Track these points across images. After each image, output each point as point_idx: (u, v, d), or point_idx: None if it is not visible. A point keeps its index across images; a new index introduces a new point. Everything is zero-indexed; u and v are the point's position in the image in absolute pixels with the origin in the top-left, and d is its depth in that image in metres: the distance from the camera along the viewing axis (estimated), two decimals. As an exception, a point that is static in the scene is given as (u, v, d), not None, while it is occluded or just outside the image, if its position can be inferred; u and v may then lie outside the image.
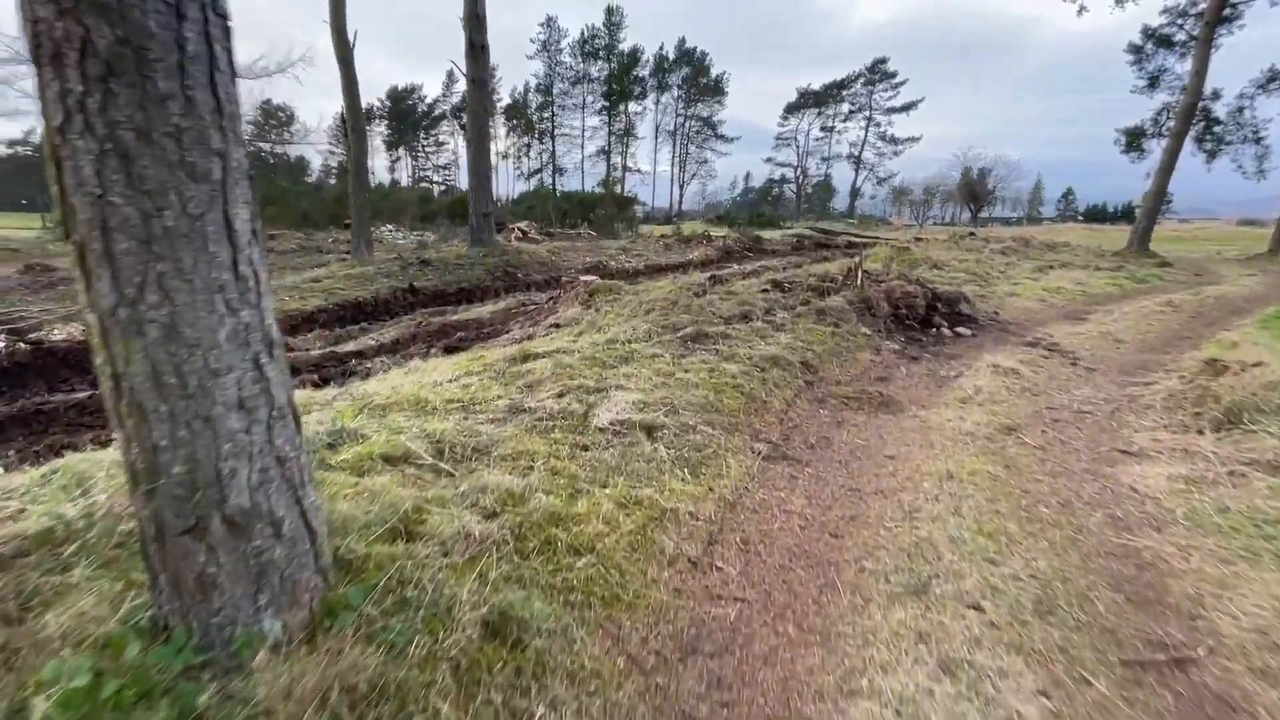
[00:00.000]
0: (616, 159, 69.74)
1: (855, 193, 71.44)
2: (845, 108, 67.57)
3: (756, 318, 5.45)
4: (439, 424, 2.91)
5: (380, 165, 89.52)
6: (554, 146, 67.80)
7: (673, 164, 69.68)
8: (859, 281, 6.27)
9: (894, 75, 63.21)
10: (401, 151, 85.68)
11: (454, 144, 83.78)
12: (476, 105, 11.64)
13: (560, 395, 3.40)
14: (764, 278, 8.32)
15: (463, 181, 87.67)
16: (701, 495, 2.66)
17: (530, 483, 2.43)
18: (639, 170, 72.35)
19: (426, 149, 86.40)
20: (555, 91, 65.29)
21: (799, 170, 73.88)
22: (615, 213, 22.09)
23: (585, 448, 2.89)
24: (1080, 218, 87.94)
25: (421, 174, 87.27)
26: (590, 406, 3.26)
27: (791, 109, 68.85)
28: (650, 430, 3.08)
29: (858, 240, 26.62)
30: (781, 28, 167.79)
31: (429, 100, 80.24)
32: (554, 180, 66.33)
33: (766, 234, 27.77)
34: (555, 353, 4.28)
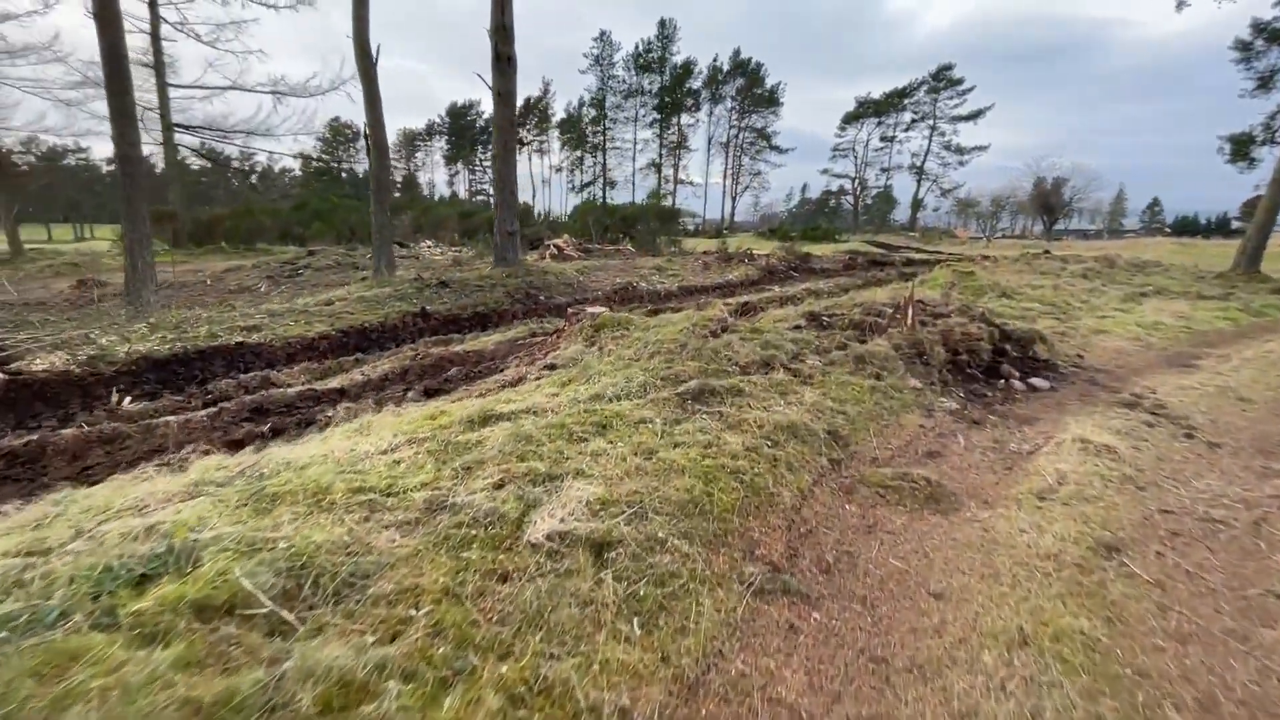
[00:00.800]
0: (669, 171, 69.47)
1: (917, 204, 68.50)
2: (907, 116, 65.05)
3: (780, 366, 4.58)
4: (324, 533, 2.23)
5: (440, 179, 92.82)
6: (604, 159, 68.11)
7: (725, 176, 68.74)
8: (909, 320, 5.30)
9: (960, 82, 60.41)
10: (460, 166, 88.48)
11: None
12: (501, 119, 11.21)
13: (499, 485, 2.67)
14: (802, 307, 7.41)
15: (518, 195, 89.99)
16: (649, 669, 1.85)
17: (390, 654, 1.69)
18: (691, 182, 71.88)
19: (484, 163, 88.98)
20: (608, 105, 65.61)
21: (856, 182, 71.52)
22: (658, 227, 21.40)
23: (504, 577, 2.14)
24: (1168, 230, 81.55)
25: (479, 187, 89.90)
26: (531, 506, 2.51)
27: (850, 119, 66.78)
28: (601, 549, 2.30)
29: (917, 257, 25.06)
30: (842, 38, 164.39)
31: (486, 116, 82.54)
32: (604, 193, 66.55)
33: (818, 249, 26.52)
34: (524, 413, 3.57)
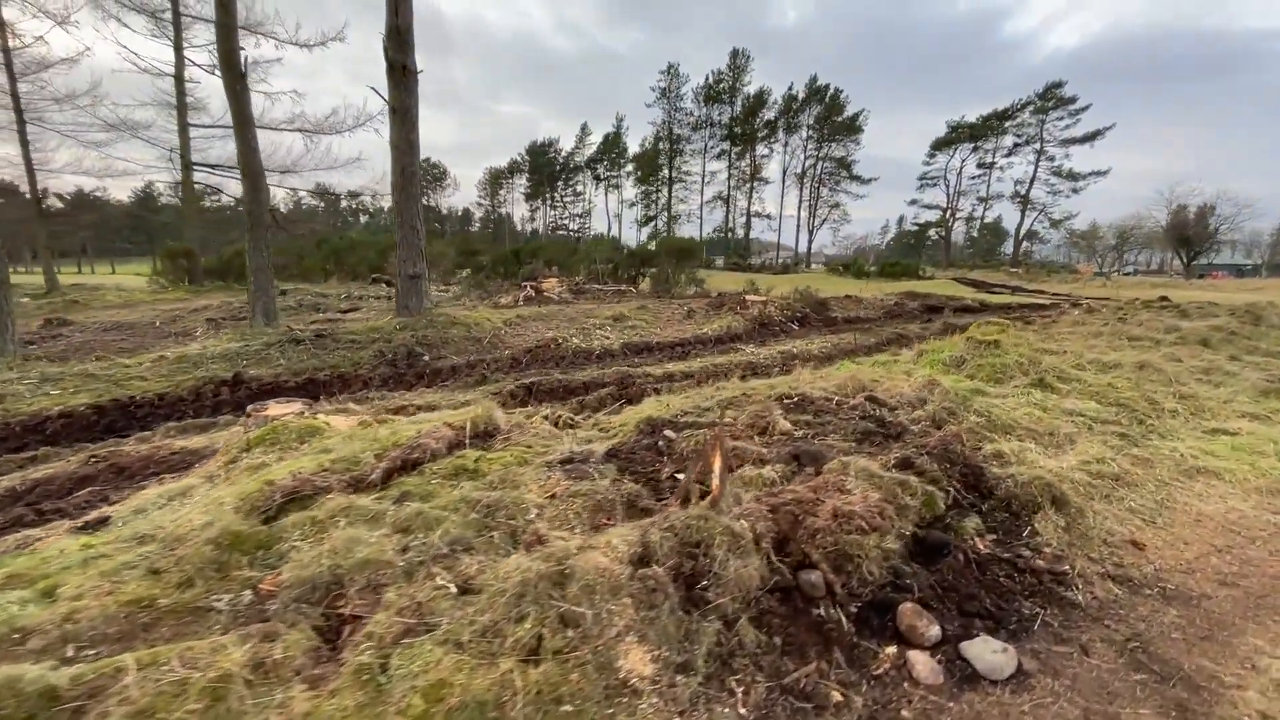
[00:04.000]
0: (742, 203, 67.08)
1: (1021, 236, 61.42)
2: (1009, 140, 58.81)
3: (351, 603, 2.11)
4: None
5: (521, 214, 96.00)
6: (670, 193, 66.79)
7: (799, 208, 65.19)
8: (715, 477, 2.61)
9: (1072, 100, 53.92)
10: (540, 202, 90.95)
11: (588, 193, 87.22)
12: (399, 140, 9.43)
13: None
14: (661, 407, 4.84)
15: (598, 227, 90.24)
16: None
17: None
18: (766, 215, 68.99)
19: (564, 199, 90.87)
20: (675, 137, 64.52)
21: (948, 212, 65.42)
22: (674, 265, 19.06)
23: None
24: (1345, 266, 68.11)
25: (560, 223, 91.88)
26: None
27: (940, 144, 61.39)
28: None
29: (995, 300, 21.01)
30: (957, 63, 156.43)
31: (565, 153, 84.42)
32: (668, 227, 65.04)
33: (874, 290, 23.03)
34: None
